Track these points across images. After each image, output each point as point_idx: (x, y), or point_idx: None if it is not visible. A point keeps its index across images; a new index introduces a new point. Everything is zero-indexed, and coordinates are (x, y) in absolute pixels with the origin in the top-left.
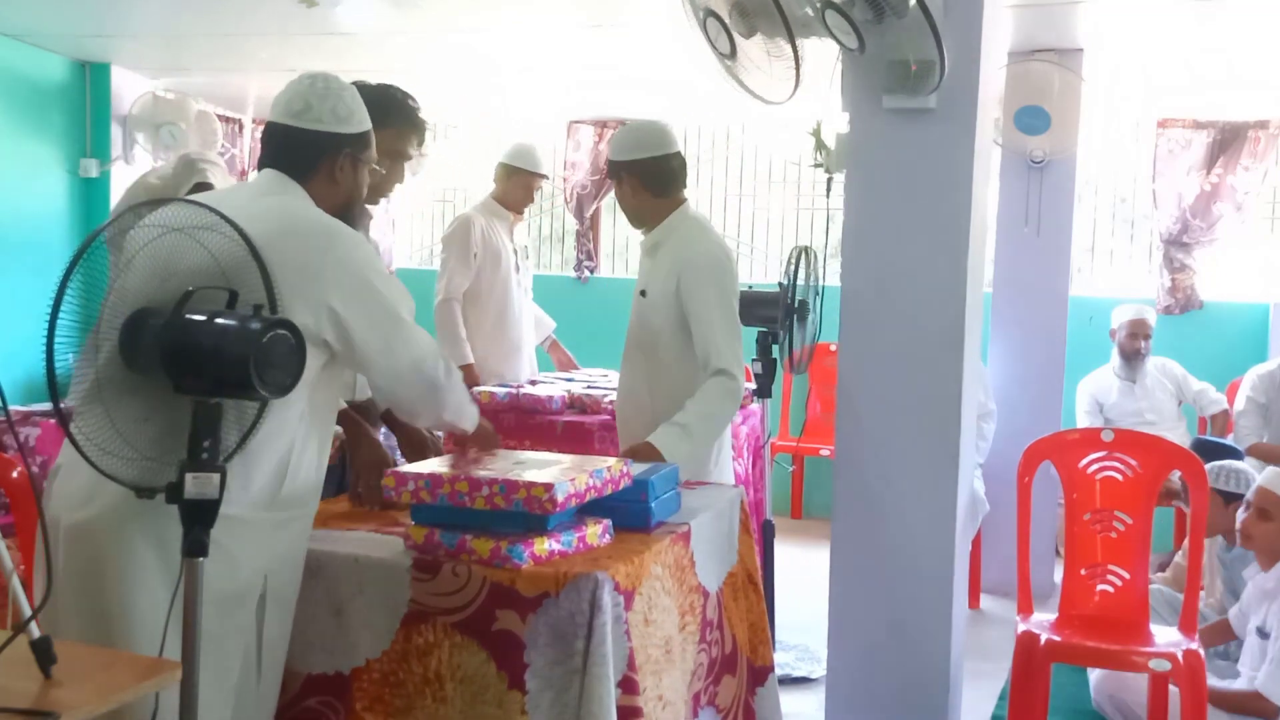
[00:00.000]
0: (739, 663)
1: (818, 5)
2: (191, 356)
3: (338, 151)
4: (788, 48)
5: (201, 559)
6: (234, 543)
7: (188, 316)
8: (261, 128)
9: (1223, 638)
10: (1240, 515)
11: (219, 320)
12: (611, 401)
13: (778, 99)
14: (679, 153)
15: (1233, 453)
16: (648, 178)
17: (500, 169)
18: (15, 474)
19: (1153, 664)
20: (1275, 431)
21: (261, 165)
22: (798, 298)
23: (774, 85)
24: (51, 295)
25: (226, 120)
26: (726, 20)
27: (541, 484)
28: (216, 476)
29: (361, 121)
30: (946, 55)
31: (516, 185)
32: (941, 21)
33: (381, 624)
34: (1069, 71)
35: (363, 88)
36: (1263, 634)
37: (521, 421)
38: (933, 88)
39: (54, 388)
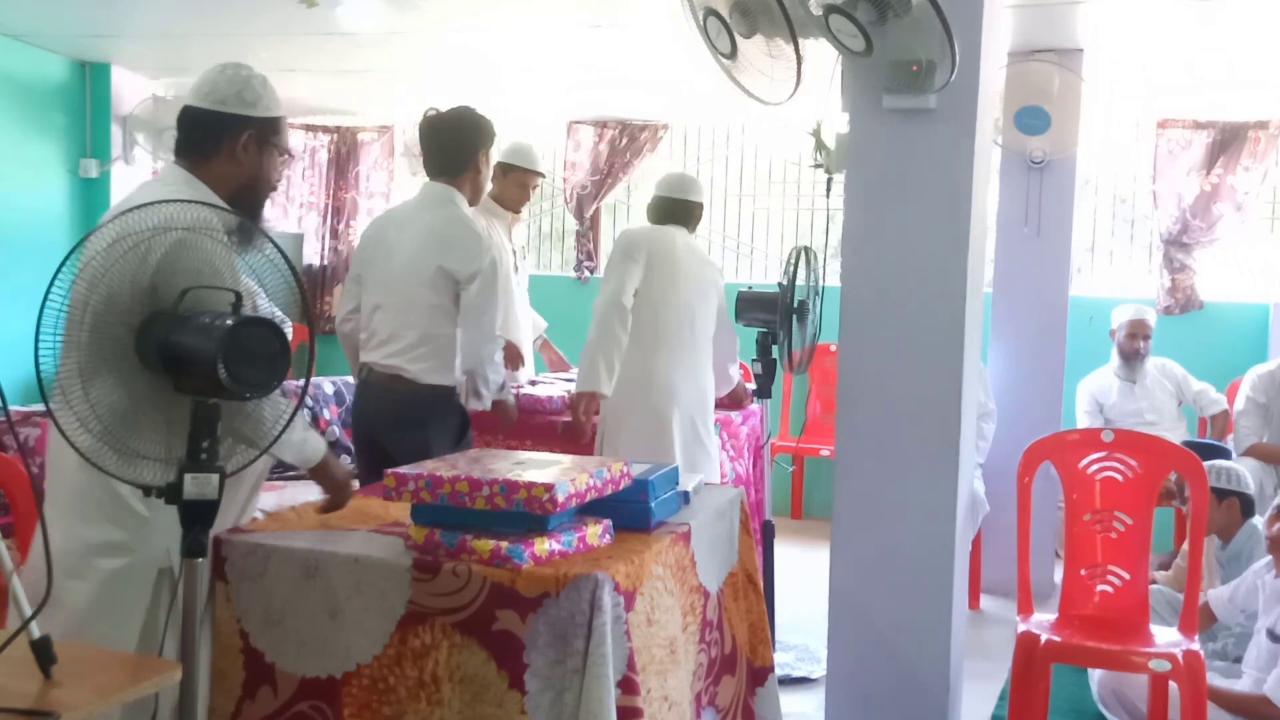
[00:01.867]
0: (738, 663)
1: (820, 10)
2: (177, 356)
3: (240, 131)
4: (788, 48)
5: (201, 559)
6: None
7: (180, 316)
8: None
9: (1204, 623)
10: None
11: (200, 320)
12: None
13: (778, 99)
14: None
15: (1222, 454)
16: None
17: (496, 167)
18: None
19: (1153, 664)
20: (1275, 431)
21: (175, 150)
22: (797, 298)
23: (774, 85)
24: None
25: None
26: (727, 19)
27: (542, 484)
28: (215, 477)
29: (270, 108)
30: (957, 50)
31: (512, 183)
32: (925, 29)
33: (377, 626)
34: (1069, 71)
35: (447, 116)
36: (1274, 637)
37: (521, 421)
38: (943, 83)
39: (42, 385)
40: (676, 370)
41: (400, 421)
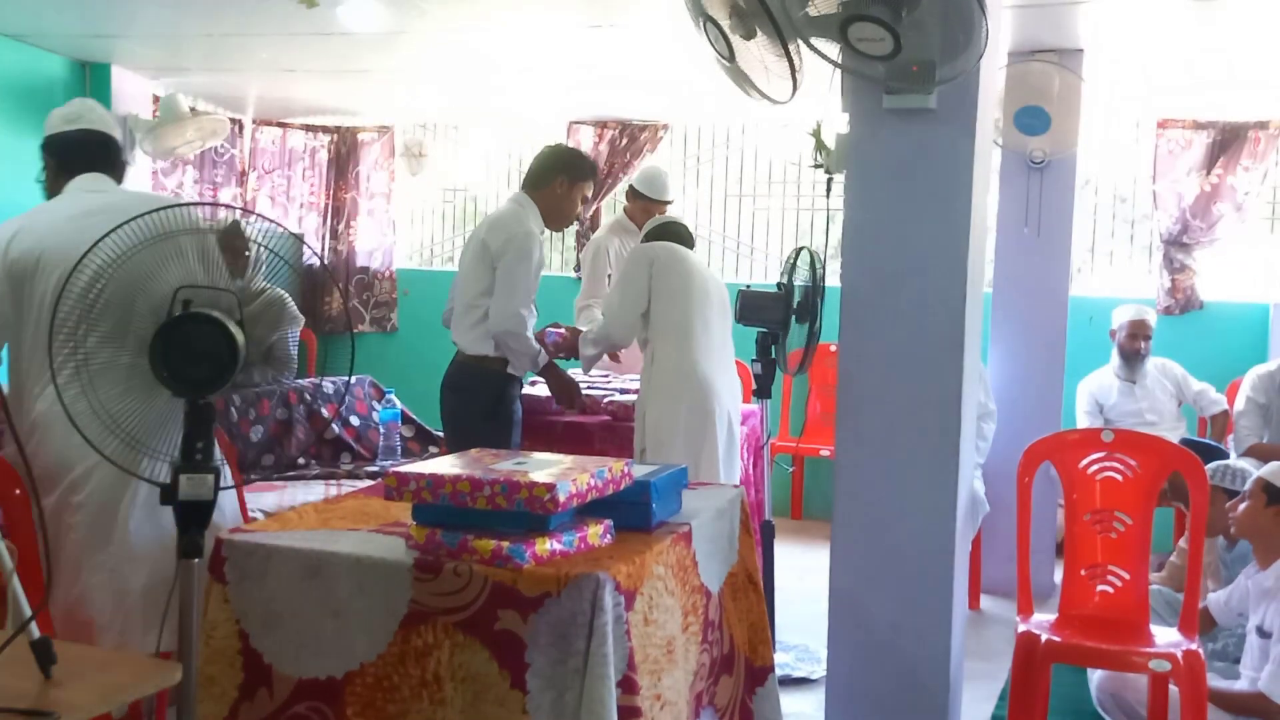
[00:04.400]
0: (736, 662)
1: (838, 18)
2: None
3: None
4: (788, 46)
5: (197, 559)
6: None
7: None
8: (261, 128)
9: (1205, 626)
10: (1241, 506)
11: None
12: (611, 401)
13: (782, 98)
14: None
15: (1219, 453)
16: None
17: (628, 190)
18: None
19: (1153, 664)
20: (1275, 431)
21: (81, 169)
22: (797, 298)
23: (774, 84)
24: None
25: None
26: (725, 26)
27: (543, 484)
28: (210, 477)
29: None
30: (985, 28)
31: (638, 209)
32: (944, 19)
33: (379, 626)
34: (1069, 71)
35: (548, 147)
36: (1263, 633)
37: (523, 421)
38: (978, 57)
39: (56, 386)
40: (712, 366)
41: (447, 386)
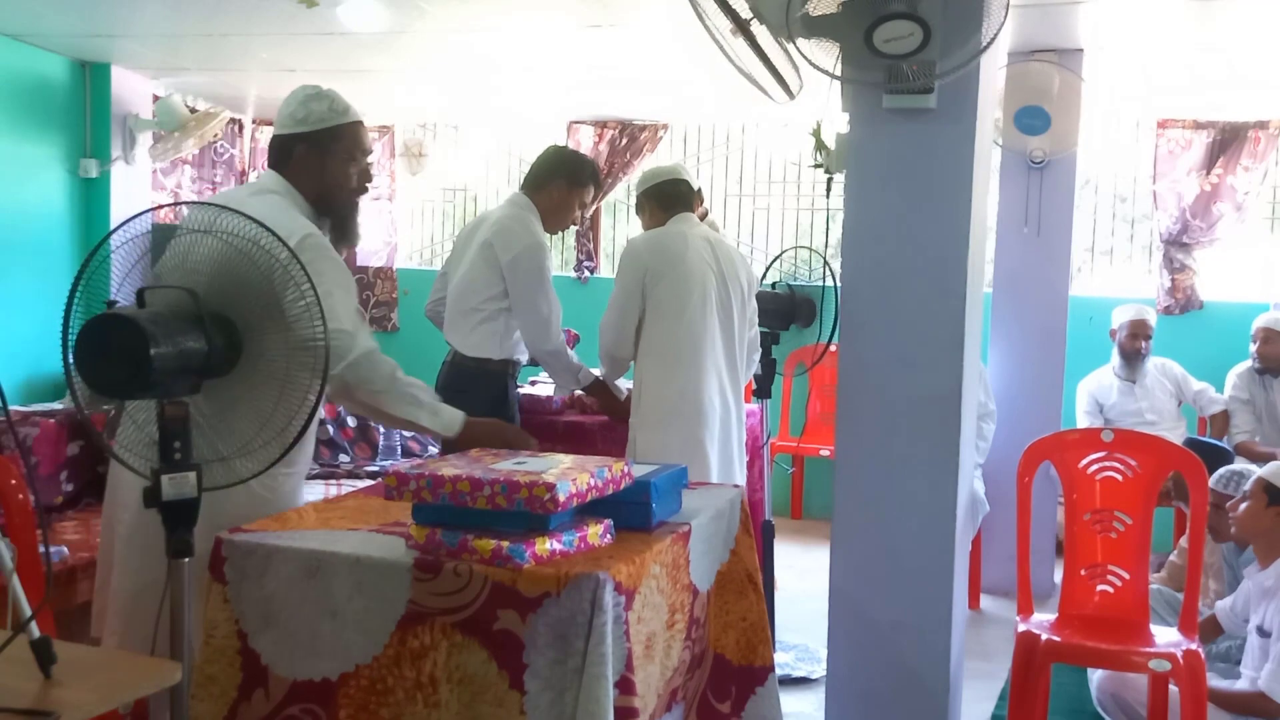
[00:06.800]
0: (706, 658)
1: (862, 24)
2: None
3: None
4: (790, 46)
5: (188, 559)
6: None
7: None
8: (261, 128)
9: (1212, 633)
10: (1242, 506)
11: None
12: None
13: (787, 96)
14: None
15: (1224, 452)
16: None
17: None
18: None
19: (1153, 664)
20: (1268, 426)
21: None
22: (797, 297)
23: (776, 83)
24: (51, 296)
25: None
26: (725, 33)
27: (543, 484)
28: (192, 475)
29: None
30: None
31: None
32: (943, 19)
33: (376, 627)
34: (1069, 71)
35: (552, 149)
36: (1263, 633)
37: (522, 421)
38: (995, 33)
39: (73, 388)
40: (705, 388)
41: (446, 388)
